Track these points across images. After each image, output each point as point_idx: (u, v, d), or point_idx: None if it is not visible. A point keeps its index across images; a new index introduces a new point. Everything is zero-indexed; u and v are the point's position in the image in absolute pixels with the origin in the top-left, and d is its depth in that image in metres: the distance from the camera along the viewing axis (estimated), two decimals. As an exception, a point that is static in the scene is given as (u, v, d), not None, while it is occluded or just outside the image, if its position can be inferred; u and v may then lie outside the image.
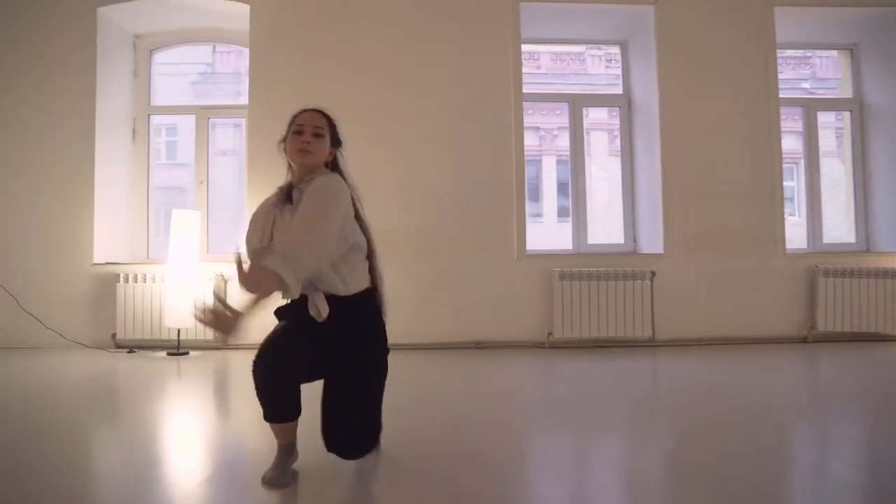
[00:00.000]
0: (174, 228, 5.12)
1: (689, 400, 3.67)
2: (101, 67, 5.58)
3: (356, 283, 2.25)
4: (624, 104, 5.97)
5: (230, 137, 12.40)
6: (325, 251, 2.07)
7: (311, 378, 2.22)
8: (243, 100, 5.75)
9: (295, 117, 2.30)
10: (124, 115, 5.89)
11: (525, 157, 5.41)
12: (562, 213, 14.99)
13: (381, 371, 2.31)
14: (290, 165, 2.32)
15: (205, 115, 6.04)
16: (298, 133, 2.24)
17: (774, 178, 5.51)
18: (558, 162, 15.76)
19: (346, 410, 2.15)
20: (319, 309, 2.15)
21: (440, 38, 5.45)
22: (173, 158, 13.60)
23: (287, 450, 2.22)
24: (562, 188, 15.72)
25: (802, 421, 3.26)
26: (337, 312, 2.18)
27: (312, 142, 2.24)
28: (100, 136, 5.55)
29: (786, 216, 5.55)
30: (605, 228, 6.37)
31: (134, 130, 5.97)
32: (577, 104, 5.96)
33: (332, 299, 2.18)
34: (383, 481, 2.26)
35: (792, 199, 6.04)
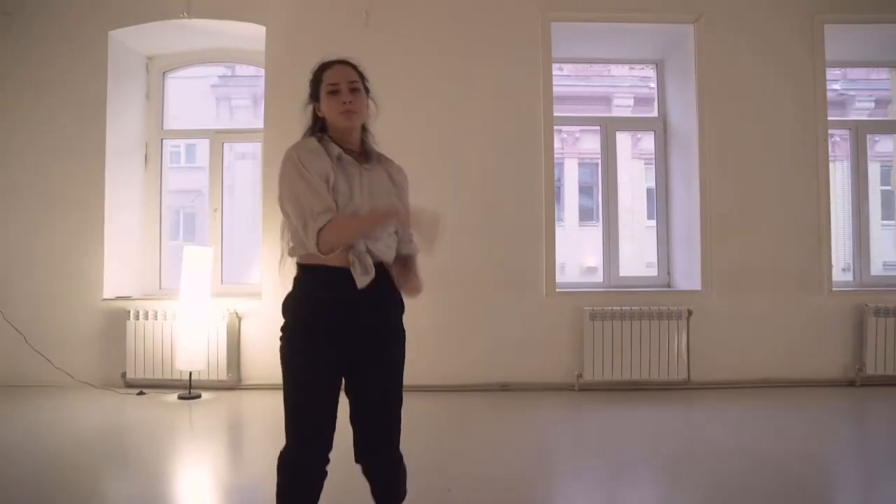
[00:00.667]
0: (185, 265, 4.89)
1: (728, 452, 3.46)
2: (112, 91, 5.34)
3: (392, 253, 2.04)
4: (659, 128, 5.63)
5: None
6: None
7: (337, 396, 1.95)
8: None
9: (322, 72, 2.04)
10: (136, 139, 5.66)
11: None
12: (583, 216, 14.66)
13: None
14: (316, 123, 2.08)
15: (219, 139, 5.79)
16: (335, 93, 1.99)
17: (821, 208, 5.15)
18: (580, 165, 15.40)
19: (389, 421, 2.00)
20: (367, 269, 1.89)
21: (467, 59, 5.14)
22: (192, 161, 13.44)
23: None
24: (583, 190, 15.37)
25: (850, 476, 2.99)
26: (377, 283, 1.93)
27: (354, 100, 1.99)
28: (110, 162, 5.32)
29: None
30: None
31: (146, 156, 5.74)
32: (609, 128, 5.63)
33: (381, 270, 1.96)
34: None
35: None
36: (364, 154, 2.05)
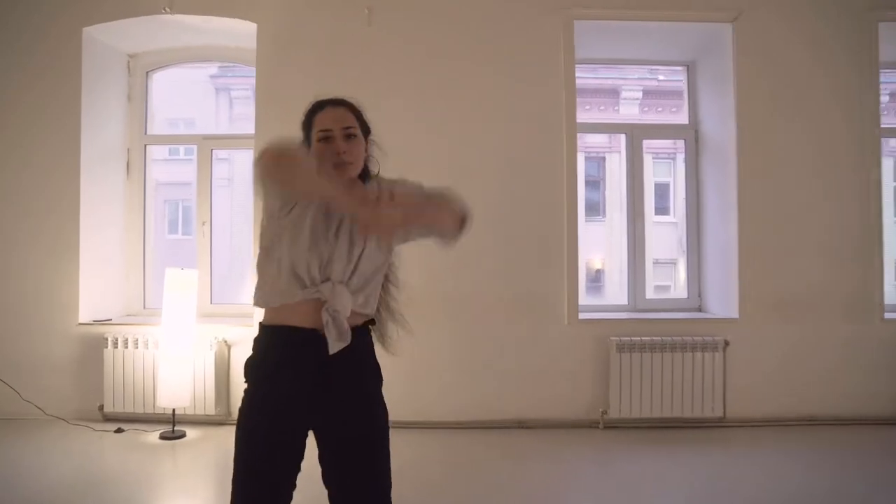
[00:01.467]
0: (167, 290, 4.40)
1: (769, 500, 3.18)
2: (88, 93, 4.83)
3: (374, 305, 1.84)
4: (690, 136, 5.12)
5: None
6: None
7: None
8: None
9: (312, 116, 1.83)
10: (117, 145, 5.16)
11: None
12: (590, 210, 14.23)
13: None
14: None
15: (207, 145, 5.29)
16: (327, 140, 1.76)
17: (873, 227, 4.66)
18: (587, 158, 14.99)
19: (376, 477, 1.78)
20: (339, 335, 1.67)
21: (480, 61, 4.64)
22: (176, 154, 12.89)
23: None
24: (589, 184, 14.93)
25: None
26: (353, 347, 1.72)
27: (349, 150, 1.76)
28: (87, 171, 4.82)
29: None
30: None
31: (128, 163, 5.25)
32: (635, 136, 5.11)
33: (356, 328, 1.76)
34: None
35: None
36: None
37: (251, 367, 1.79)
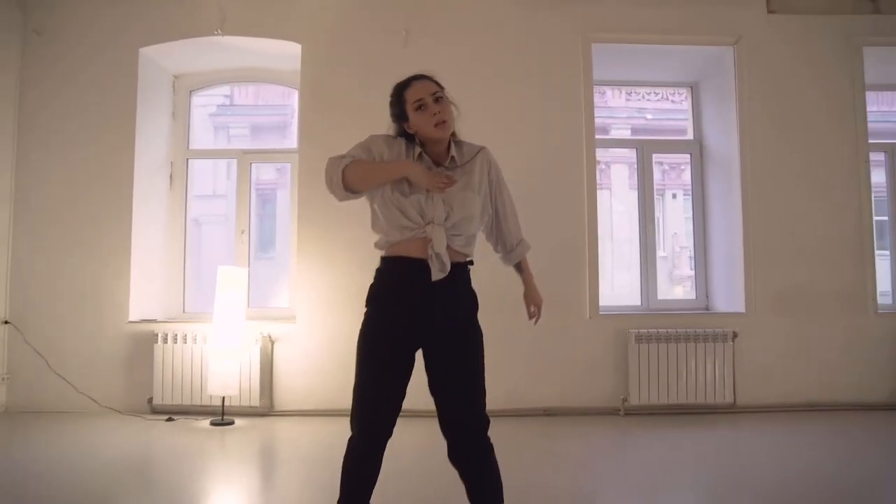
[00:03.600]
0: (219, 287, 4.72)
1: (776, 478, 3.40)
2: (141, 110, 5.22)
3: (471, 252, 2.20)
4: (695, 150, 5.59)
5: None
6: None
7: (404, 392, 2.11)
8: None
9: (402, 92, 2.16)
10: (162, 159, 5.52)
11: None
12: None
13: (482, 358, 2.21)
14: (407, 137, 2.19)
15: (247, 159, 5.67)
16: (422, 108, 2.10)
17: (864, 229, 5.11)
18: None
19: (471, 399, 2.12)
20: (441, 266, 2.04)
21: (507, 81, 5.08)
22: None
23: None
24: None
25: None
26: (453, 279, 2.09)
27: (442, 109, 2.11)
28: (137, 182, 5.18)
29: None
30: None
31: (171, 176, 5.60)
32: (646, 150, 5.58)
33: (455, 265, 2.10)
34: None
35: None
36: (451, 161, 2.17)
37: (372, 290, 2.13)
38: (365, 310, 2.14)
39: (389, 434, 2.08)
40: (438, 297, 2.05)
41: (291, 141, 5.98)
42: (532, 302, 2.36)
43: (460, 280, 2.13)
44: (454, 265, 2.08)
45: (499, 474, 2.15)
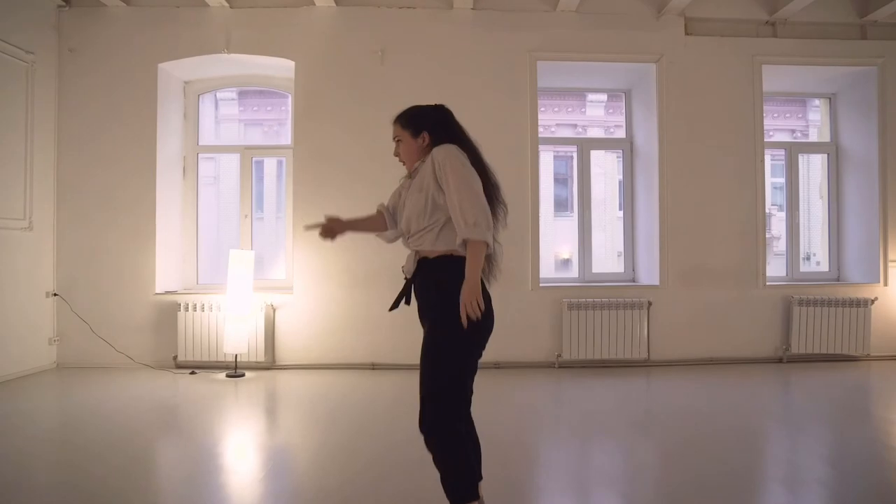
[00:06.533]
0: (231, 265, 5.81)
1: (680, 413, 4.51)
2: (160, 113, 6.21)
3: (441, 245, 2.42)
4: (626, 147, 6.67)
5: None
6: (482, 201, 2.40)
7: None
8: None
9: None
10: (177, 154, 6.54)
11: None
12: (559, 207, 15.65)
13: (451, 343, 2.34)
14: None
15: (249, 154, 6.69)
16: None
17: (758, 215, 6.24)
18: (556, 158, 16.33)
19: (421, 381, 2.38)
20: (408, 267, 2.50)
21: (468, 91, 6.02)
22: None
23: None
24: (558, 182, 16.34)
25: (775, 429, 4.16)
26: (420, 273, 2.46)
27: (401, 152, 2.61)
28: (159, 175, 6.20)
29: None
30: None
31: (184, 168, 6.63)
32: (584, 148, 6.65)
33: (420, 261, 2.48)
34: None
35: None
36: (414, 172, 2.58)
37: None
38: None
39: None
40: (415, 289, 2.51)
41: (287, 136, 6.99)
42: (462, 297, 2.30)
43: (428, 273, 2.44)
44: (420, 261, 2.47)
45: (447, 466, 2.34)
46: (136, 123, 6.13)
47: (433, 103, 2.69)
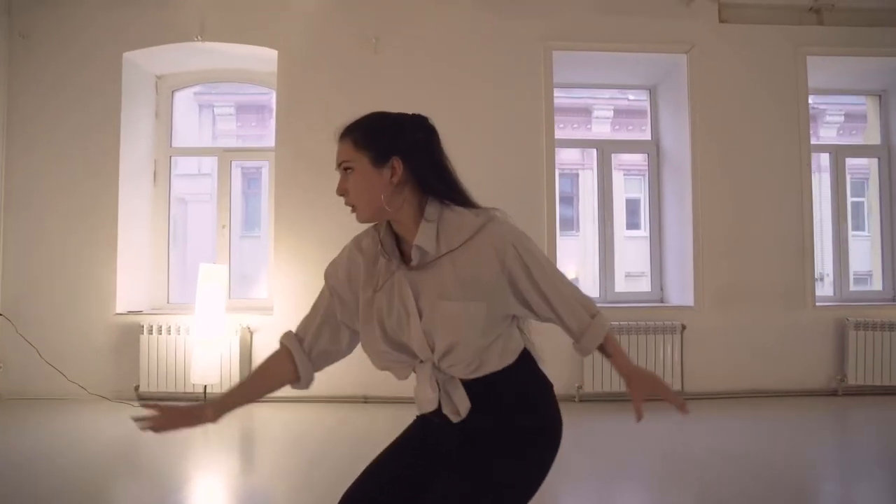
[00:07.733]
0: (201, 282, 5.04)
1: (719, 457, 3.81)
2: (125, 110, 5.49)
3: (508, 356, 1.64)
4: (652, 150, 5.93)
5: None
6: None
7: None
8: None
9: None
10: (146, 157, 5.79)
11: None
12: (564, 225, 14.98)
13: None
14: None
15: (228, 157, 5.95)
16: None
17: (805, 227, 5.48)
18: (561, 175, 15.71)
19: None
20: (458, 405, 1.55)
21: (473, 85, 5.36)
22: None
23: None
24: (563, 200, 15.68)
25: (832, 477, 3.47)
26: (477, 401, 1.57)
27: (349, 189, 1.54)
28: (123, 179, 5.46)
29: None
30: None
31: (155, 173, 5.88)
32: (605, 150, 5.91)
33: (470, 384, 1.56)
34: None
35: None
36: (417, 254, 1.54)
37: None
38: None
39: None
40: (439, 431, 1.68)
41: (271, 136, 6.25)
42: (634, 393, 1.63)
43: (493, 399, 1.62)
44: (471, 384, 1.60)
45: None
46: (98, 119, 5.40)
47: (409, 112, 1.65)
